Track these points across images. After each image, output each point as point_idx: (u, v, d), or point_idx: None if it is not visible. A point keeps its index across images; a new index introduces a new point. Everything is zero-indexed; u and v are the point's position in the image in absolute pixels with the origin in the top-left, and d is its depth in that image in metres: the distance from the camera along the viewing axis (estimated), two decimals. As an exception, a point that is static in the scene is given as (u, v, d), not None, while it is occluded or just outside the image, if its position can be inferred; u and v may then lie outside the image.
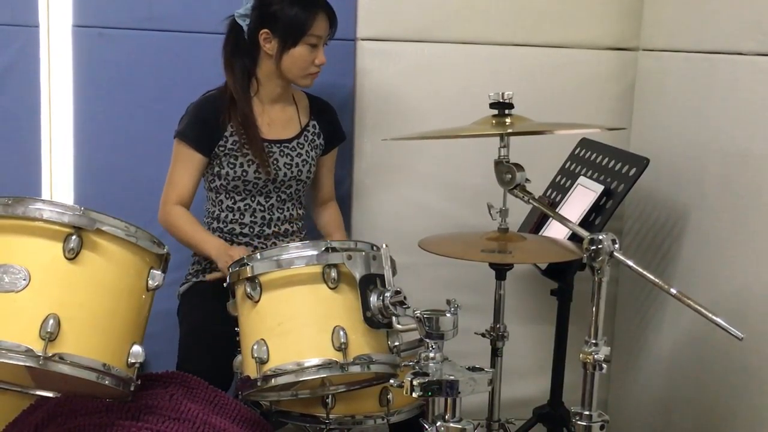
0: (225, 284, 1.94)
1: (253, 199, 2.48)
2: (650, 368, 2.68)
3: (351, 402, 2.06)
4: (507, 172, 2.00)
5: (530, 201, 1.99)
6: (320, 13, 2.35)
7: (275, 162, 2.45)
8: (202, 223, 2.51)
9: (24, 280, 1.60)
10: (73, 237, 1.64)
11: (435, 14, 2.77)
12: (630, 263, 1.66)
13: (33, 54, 2.65)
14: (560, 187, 2.58)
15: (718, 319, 1.56)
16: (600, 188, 2.34)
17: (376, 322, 1.79)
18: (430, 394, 1.53)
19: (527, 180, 2.01)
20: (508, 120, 2.03)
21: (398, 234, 2.50)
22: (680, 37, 2.57)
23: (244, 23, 2.37)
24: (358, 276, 1.80)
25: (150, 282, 1.77)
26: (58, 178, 2.72)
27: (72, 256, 1.63)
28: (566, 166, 2.63)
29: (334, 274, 1.81)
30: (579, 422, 1.69)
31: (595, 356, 1.66)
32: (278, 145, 2.47)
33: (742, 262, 2.20)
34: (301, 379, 1.79)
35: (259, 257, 1.88)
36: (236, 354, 1.94)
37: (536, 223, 2.49)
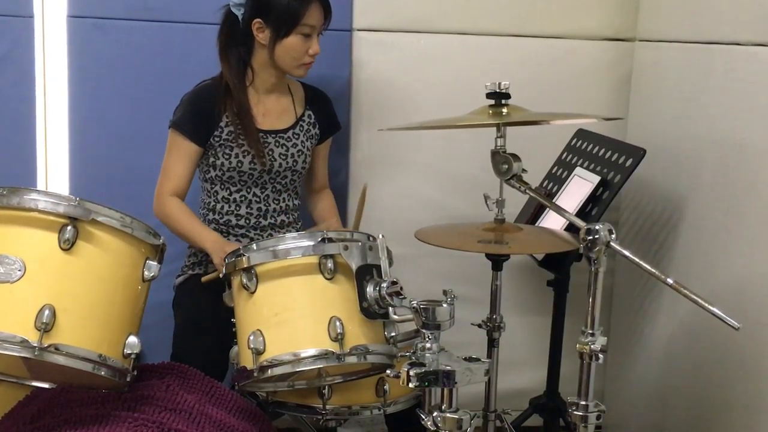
0: (221, 275, 1.94)
1: (248, 190, 2.47)
2: (647, 358, 2.69)
3: (347, 392, 2.06)
4: (504, 162, 2.00)
5: (527, 191, 1.99)
6: (314, 2, 2.33)
7: (270, 152, 2.45)
8: (197, 214, 2.51)
9: (19, 270, 1.60)
10: (69, 227, 1.64)
11: (431, 4, 2.76)
12: (627, 253, 1.66)
13: (28, 45, 2.63)
14: (557, 177, 2.58)
15: (715, 309, 1.56)
16: (596, 179, 2.34)
17: (373, 312, 1.79)
18: (426, 384, 1.53)
19: (524, 170, 2.01)
20: (504, 110, 2.03)
21: (395, 225, 2.49)
22: (677, 28, 2.56)
23: (239, 12, 2.36)
24: (354, 266, 1.80)
25: (146, 273, 1.76)
26: (53, 169, 2.71)
27: (67, 246, 1.63)
28: (563, 157, 2.62)
29: (330, 264, 1.80)
30: (575, 412, 1.69)
31: (592, 346, 1.66)
32: (273, 135, 2.46)
33: (738, 252, 2.20)
34: (297, 370, 1.79)
35: (255, 248, 1.87)
36: (231, 345, 1.94)
37: (533, 213, 2.49)
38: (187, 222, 2.37)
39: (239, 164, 2.41)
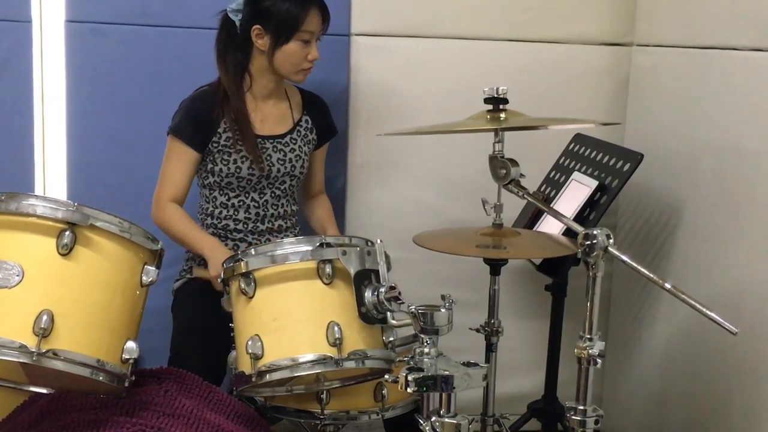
0: (220, 280, 1.94)
1: (246, 195, 2.47)
2: (644, 363, 2.69)
3: (346, 397, 2.06)
4: (501, 167, 2.00)
5: (525, 196, 1.99)
6: (313, 8, 2.34)
7: (268, 158, 2.45)
8: (195, 219, 2.50)
9: (17, 275, 1.60)
10: (67, 233, 1.63)
11: (429, 9, 2.77)
12: (624, 258, 1.66)
13: (25, 49, 2.63)
14: (555, 182, 2.58)
15: (712, 314, 1.56)
16: (594, 183, 2.34)
17: (371, 317, 1.79)
18: (425, 389, 1.53)
19: (522, 175, 2.01)
20: (502, 115, 2.03)
21: (393, 229, 2.50)
22: (674, 33, 2.57)
23: (237, 18, 2.36)
24: (352, 271, 1.80)
25: (144, 278, 1.76)
26: (51, 174, 2.71)
27: (65, 251, 1.63)
28: (561, 162, 2.63)
29: (328, 269, 1.80)
30: (573, 417, 1.69)
31: (590, 351, 1.66)
32: (271, 140, 2.46)
33: (735, 257, 2.20)
34: (295, 375, 1.79)
35: (253, 253, 1.87)
36: (229, 350, 1.94)
37: (531, 218, 2.49)
38: (185, 227, 2.37)
39: (237, 170, 2.42)
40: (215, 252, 2.28)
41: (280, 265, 1.82)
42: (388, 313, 1.77)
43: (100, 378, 1.65)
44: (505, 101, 2.03)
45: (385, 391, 2.06)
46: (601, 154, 2.44)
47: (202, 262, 2.42)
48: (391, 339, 1.86)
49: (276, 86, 2.47)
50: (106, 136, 2.72)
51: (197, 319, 2.29)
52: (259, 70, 2.42)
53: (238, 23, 2.37)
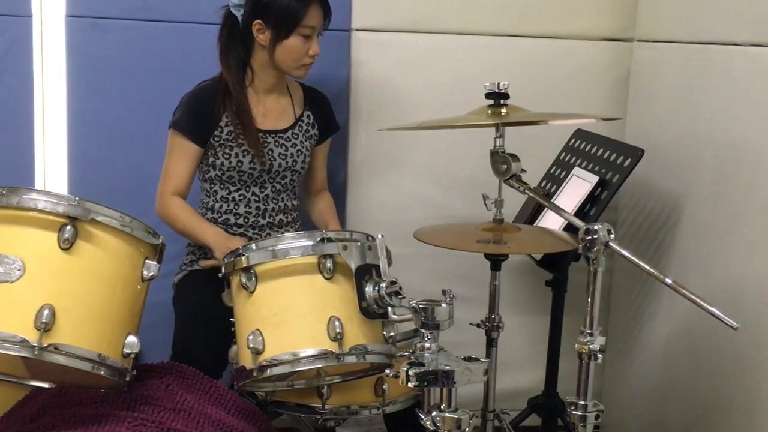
0: (220, 274, 1.94)
1: (247, 189, 2.47)
2: (645, 358, 2.69)
3: (346, 392, 2.06)
4: (502, 162, 2.00)
5: (526, 191, 1.99)
6: (314, 3, 2.34)
7: (270, 152, 2.45)
8: (196, 213, 2.51)
9: (19, 270, 1.60)
10: (68, 227, 1.64)
11: (430, 4, 2.76)
12: (625, 253, 1.66)
13: (26, 44, 2.63)
14: (555, 178, 2.58)
15: (713, 309, 1.56)
16: (595, 179, 2.34)
17: (372, 312, 1.79)
18: (425, 384, 1.53)
19: (523, 170, 2.01)
20: (503, 110, 2.03)
21: (394, 224, 2.49)
22: (675, 28, 2.57)
23: (239, 13, 2.36)
24: (353, 266, 1.80)
25: (145, 272, 1.76)
26: (52, 169, 2.71)
27: (67, 246, 1.63)
28: (561, 157, 2.63)
29: (329, 264, 1.80)
30: (574, 412, 1.69)
31: (591, 346, 1.66)
32: (273, 135, 2.47)
33: (736, 252, 2.20)
34: (296, 370, 1.79)
35: (254, 247, 1.87)
36: (230, 342, 1.94)
37: (531, 213, 2.49)
38: (189, 219, 2.38)
39: (239, 164, 2.42)
40: (219, 238, 2.29)
41: (281, 259, 1.82)
42: (389, 308, 1.77)
43: (102, 372, 1.65)
44: (506, 96, 2.03)
45: (385, 386, 2.06)
46: (601, 150, 2.44)
47: (204, 255, 2.42)
48: (392, 334, 1.86)
49: (277, 81, 2.47)
50: (107, 130, 2.72)
51: (199, 310, 2.30)
52: (261, 65, 2.42)
53: (240, 18, 2.37)
